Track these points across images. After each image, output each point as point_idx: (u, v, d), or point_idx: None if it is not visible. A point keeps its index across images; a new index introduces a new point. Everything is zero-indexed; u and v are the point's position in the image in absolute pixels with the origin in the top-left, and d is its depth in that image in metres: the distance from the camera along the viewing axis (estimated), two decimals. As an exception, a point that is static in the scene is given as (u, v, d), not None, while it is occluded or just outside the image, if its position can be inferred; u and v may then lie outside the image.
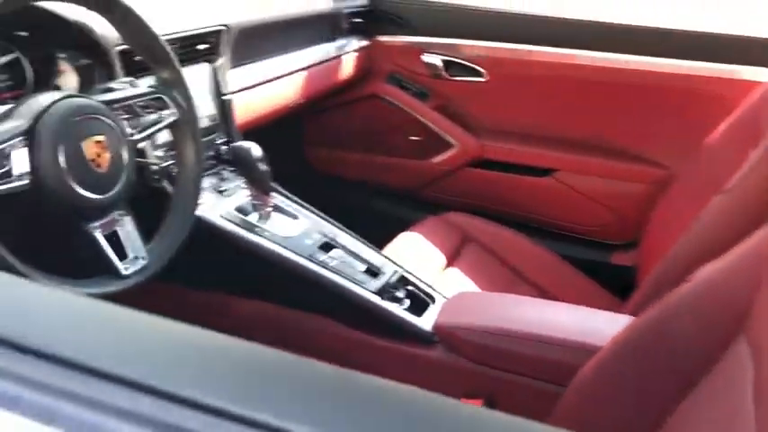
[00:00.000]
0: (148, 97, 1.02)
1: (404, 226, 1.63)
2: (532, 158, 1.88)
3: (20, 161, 0.83)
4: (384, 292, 1.24)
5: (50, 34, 1.10)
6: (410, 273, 1.32)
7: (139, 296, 1.35)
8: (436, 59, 1.91)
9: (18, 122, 0.85)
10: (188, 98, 1.06)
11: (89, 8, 0.95)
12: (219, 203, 1.29)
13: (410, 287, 1.29)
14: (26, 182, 0.83)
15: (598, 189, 1.80)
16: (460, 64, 1.89)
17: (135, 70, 1.16)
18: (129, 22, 0.97)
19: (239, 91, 1.48)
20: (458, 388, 1.15)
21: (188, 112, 1.06)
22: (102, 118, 0.92)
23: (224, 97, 1.41)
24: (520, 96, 1.86)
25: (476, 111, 1.93)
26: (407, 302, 1.25)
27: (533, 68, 1.81)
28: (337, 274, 1.23)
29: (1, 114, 0.88)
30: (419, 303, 1.26)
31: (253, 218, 1.30)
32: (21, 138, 0.83)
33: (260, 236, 1.25)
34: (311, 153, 2.14)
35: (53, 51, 1.11)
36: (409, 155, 2.01)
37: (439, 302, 1.27)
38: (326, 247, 1.30)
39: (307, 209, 1.38)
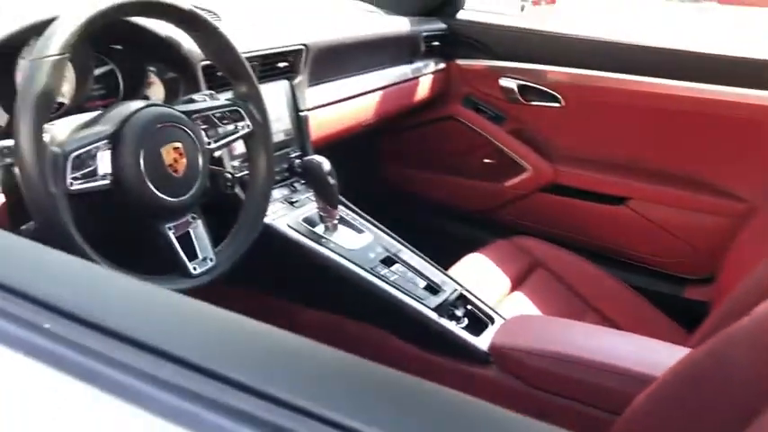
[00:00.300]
0: (226, 109, 1.08)
1: (473, 247, 1.63)
2: (606, 186, 1.85)
3: (104, 162, 0.90)
4: (442, 309, 1.25)
5: (142, 49, 1.18)
6: (470, 292, 1.32)
7: (204, 297, 1.41)
8: (513, 84, 1.91)
9: (105, 127, 0.92)
10: (263, 112, 1.12)
11: (178, 26, 1.02)
12: (289, 213, 1.34)
13: (469, 306, 1.29)
14: (108, 182, 0.90)
15: (673, 220, 1.75)
16: (537, 89, 1.89)
17: (216, 84, 1.23)
18: (213, 40, 1.04)
19: (315, 108, 1.53)
20: (511, 409, 1.14)
21: (262, 125, 1.12)
22: (182, 126, 0.98)
23: (300, 113, 1.47)
24: (596, 123, 1.83)
25: (551, 136, 1.92)
26: (465, 321, 1.26)
27: (610, 96, 1.78)
28: (397, 288, 1.26)
29: (91, 119, 0.96)
30: (478, 323, 1.27)
31: (319, 229, 1.34)
32: (106, 141, 0.90)
33: (325, 246, 1.29)
34: (386, 170, 2.18)
35: (144, 64, 1.20)
36: (482, 177, 2.02)
37: (498, 323, 1.27)
38: (388, 261, 1.32)
39: (372, 223, 1.41)
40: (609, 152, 1.84)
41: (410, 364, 1.25)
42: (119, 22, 1.01)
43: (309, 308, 1.34)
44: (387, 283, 1.26)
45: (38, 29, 0.97)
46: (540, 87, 1.88)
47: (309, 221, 1.35)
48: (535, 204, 1.96)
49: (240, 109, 1.09)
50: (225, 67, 1.08)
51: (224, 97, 1.12)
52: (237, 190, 1.18)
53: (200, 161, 1.01)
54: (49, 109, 0.83)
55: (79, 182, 0.86)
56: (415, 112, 2.00)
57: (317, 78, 1.54)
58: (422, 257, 1.37)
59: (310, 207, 1.38)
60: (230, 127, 1.09)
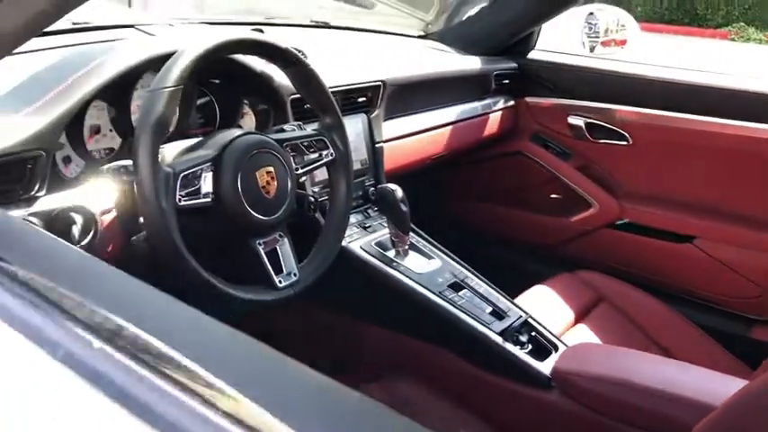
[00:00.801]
0: (312, 138, 1.18)
1: (537, 281, 1.68)
2: (673, 224, 1.86)
3: (207, 182, 1.01)
4: (507, 334, 1.30)
5: (239, 82, 1.30)
6: (534, 320, 1.37)
7: (281, 312, 1.51)
8: (581, 121, 1.96)
9: (208, 151, 1.03)
10: (345, 142, 1.22)
11: (273, 63, 1.13)
12: (362, 237, 1.43)
13: (533, 333, 1.34)
14: (210, 200, 1.01)
15: (739, 259, 1.75)
16: (605, 127, 1.93)
17: (302, 116, 1.34)
18: (303, 75, 1.15)
19: (390, 140, 1.63)
20: (571, 432, 1.19)
21: (344, 153, 1.22)
22: (274, 153, 1.09)
23: (376, 145, 1.57)
24: (663, 161, 1.86)
25: (617, 173, 1.96)
26: (529, 347, 1.31)
27: (678, 135, 1.81)
28: (464, 312, 1.32)
29: (195, 144, 1.08)
30: (541, 349, 1.31)
31: (391, 253, 1.42)
32: (209, 163, 1.01)
33: (395, 269, 1.37)
34: (451, 204, 2.25)
35: (239, 96, 1.32)
36: (548, 212, 2.07)
37: (561, 351, 1.31)
38: (456, 286, 1.39)
39: (441, 250, 1.48)
40: (675, 190, 1.86)
41: (472, 385, 1.31)
42: (222, 58, 1.13)
43: (377, 326, 1.42)
44: (454, 306, 1.33)
45: (153, 63, 1.10)
46: (608, 126, 1.92)
47: (382, 246, 1.43)
48: (600, 240, 1.99)
49: (325, 138, 1.19)
50: (313, 100, 1.19)
51: (310, 128, 1.23)
52: (318, 214, 1.27)
53: (289, 184, 1.11)
54: (164, 134, 0.95)
55: (186, 199, 0.97)
56: (482, 148, 2.07)
57: (392, 112, 1.64)
58: (488, 284, 1.43)
59: (383, 232, 1.47)
60: (315, 155, 1.19)
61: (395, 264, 1.39)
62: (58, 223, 1.00)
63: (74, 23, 1.45)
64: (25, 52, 1.19)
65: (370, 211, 1.53)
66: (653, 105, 1.86)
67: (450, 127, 1.84)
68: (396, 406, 1.13)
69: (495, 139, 2.05)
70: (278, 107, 1.33)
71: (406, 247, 1.43)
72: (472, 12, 2.13)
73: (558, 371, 1.23)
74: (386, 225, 1.50)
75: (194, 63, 0.97)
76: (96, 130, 1.12)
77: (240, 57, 1.25)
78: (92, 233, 1.03)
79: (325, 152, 1.20)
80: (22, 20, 0.73)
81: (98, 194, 1.05)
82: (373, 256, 1.40)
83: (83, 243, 1.02)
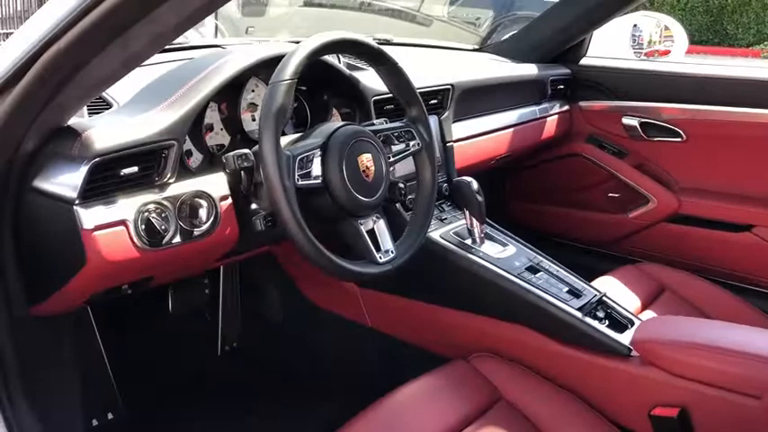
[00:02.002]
0: (401, 130, 1.30)
1: (594, 274, 1.73)
2: (730, 213, 1.93)
3: (316, 166, 1.13)
4: (585, 309, 1.38)
5: (326, 87, 1.43)
6: (610, 298, 1.45)
7: (366, 299, 1.61)
8: (635, 121, 2.05)
9: (316, 140, 1.15)
10: (429, 132, 1.33)
11: (367, 61, 1.25)
12: (440, 228, 1.54)
13: (609, 310, 1.42)
14: (319, 181, 1.13)
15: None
16: (658, 125, 2.02)
17: (383, 116, 1.46)
18: (392, 73, 1.27)
19: (459, 140, 1.74)
20: (652, 398, 1.25)
21: (429, 143, 1.33)
22: (371, 141, 1.20)
23: (447, 144, 1.68)
24: (716, 154, 1.94)
25: (673, 168, 2.03)
26: (606, 322, 1.38)
27: (728, 128, 1.89)
28: (543, 290, 1.40)
29: (301, 136, 1.20)
30: (618, 324, 1.39)
31: (468, 241, 1.52)
32: (318, 149, 1.13)
33: (475, 255, 1.47)
34: (511, 205, 2.35)
35: (327, 99, 1.45)
36: (607, 209, 2.15)
37: (637, 324, 1.38)
38: (532, 269, 1.48)
39: (513, 239, 1.57)
40: (730, 181, 1.93)
41: (555, 359, 1.39)
42: (317, 63, 1.26)
43: (457, 310, 1.50)
44: (533, 286, 1.41)
45: (259, 67, 1.24)
46: (661, 123, 2.01)
47: (459, 235, 1.53)
48: (659, 234, 2.06)
49: (412, 129, 1.31)
50: (401, 94, 1.30)
51: (397, 122, 1.34)
52: (407, 199, 1.38)
53: (384, 170, 1.22)
54: (284, 122, 1.07)
55: (301, 180, 1.09)
56: (539, 151, 2.17)
57: (460, 114, 1.76)
58: (562, 267, 1.52)
59: (459, 223, 1.57)
60: (402, 145, 1.31)
61: (474, 250, 1.48)
62: (186, 207, 1.12)
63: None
64: (148, 65, 1.35)
65: (444, 205, 1.64)
66: (703, 101, 1.94)
67: (511, 129, 1.95)
68: (484, 384, 1.23)
69: (552, 142, 2.15)
70: (362, 108, 1.46)
71: (482, 235, 1.52)
72: (523, 25, 2.25)
73: (639, 340, 1.30)
74: (460, 217, 1.60)
75: (307, 58, 1.10)
76: (210, 128, 1.25)
77: (331, 62, 1.38)
78: (213, 216, 1.15)
79: (412, 142, 1.31)
80: (149, 38, 0.86)
81: (216, 183, 1.18)
82: (453, 243, 1.50)
83: (206, 224, 1.14)
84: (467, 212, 1.52)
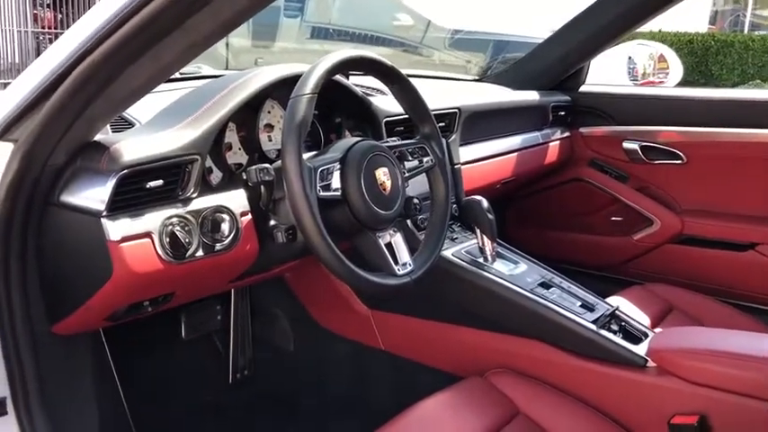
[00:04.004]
0: (415, 146, 1.33)
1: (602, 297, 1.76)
2: (733, 233, 1.96)
3: (336, 179, 1.15)
4: (599, 323, 1.39)
5: (339, 108, 1.47)
6: (622, 312, 1.46)
7: (378, 321, 1.62)
8: (635, 145, 2.10)
9: (335, 154, 1.18)
10: (442, 149, 1.36)
11: (380, 78, 1.29)
12: (452, 247, 1.56)
13: (623, 323, 1.43)
14: (338, 194, 1.15)
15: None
16: (659, 148, 2.06)
17: (395, 137, 1.50)
18: (406, 90, 1.30)
19: (466, 163, 1.77)
20: (671, 407, 1.26)
21: (442, 159, 1.36)
22: (387, 156, 1.23)
23: (455, 166, 1.71)
24: (718, 175, 1.98)
25: (675, 190, 2.07)
26: (621, 334, 1.40)
27: (729, 148, 1.94)
28: (557, 305, 1.42)
29: (320, 152, 1.23)
30: (632, 336, 1.40)
31: (480, 259, 1.54)
32: (337, 163, 1.16)
33: (487, 272, 1.49)
34: (512, 233, 2.37)
35: (340, 121, 1.48)
36: (610, 233, 2.18)
37: (651, 336, 1.40)
38: (545, 285, 1.50)
39: (523, 257, 1.59)
40: (733, 201, 1.97)
41: (571, 372, 1.39)
42: (331, 85, 1.29)
43: (469, 327, 1.51)
44: (547, 301, 1.43)
45: (283, 83, 1.27)
46: (662, 147, 2.06)
47: (471, 253, 1.55)
48: (664, 255, 2.09)
49: (425, 146, 1.34)
50: (414, 112, 1.34)
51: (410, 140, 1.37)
52: (421, 214, 1.40)
53: (400, 184, 1.25)
54: (306, 133, 1.10)
55: (322, 191, 1.11)
56: (541, 177, 2.21)
57: (466, 138, 1.79)
58: (573, 283, 1.53)
59: (469, 243, 1.59)
60: (416, 162, 1.33)
61: (486, 267, 1.50)
62: (208, 222, 1.14)
63: (182, 73, 1.66)
64: (164, 91, 1.39)
65: (454, 226, 1.66)
66: (702, 123, 1.99)
67: (515, 154, 1.99)
68: (502, 399, 1.24)
69: (554, 168, 2.19)
70: (374, 128, 1.49)
71: (494, 253, 1.54)
72: (522, 55, 2.32)
73: (655, 350, 1.31)
74: (471, 237, 1.62)
75: (327, 73, 1.13)
76: (229, 148, 1.28)
77: (345, 83, 1.42)
78: (234, 230, 1.17)
79: (425, 159, 1.34)
80: (181, 49, 0.90)
81: (236, 199, 1.20)
82: (465, 261, 1.51)
83: (228, 239, 1.16)
84: (478, 231, 1.54)
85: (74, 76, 0.92)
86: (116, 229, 1.02)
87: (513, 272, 1.52)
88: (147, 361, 1.64)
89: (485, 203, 1.53)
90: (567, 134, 2.22)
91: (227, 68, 1.92)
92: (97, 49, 0.89)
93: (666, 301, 1.76)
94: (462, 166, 1.75)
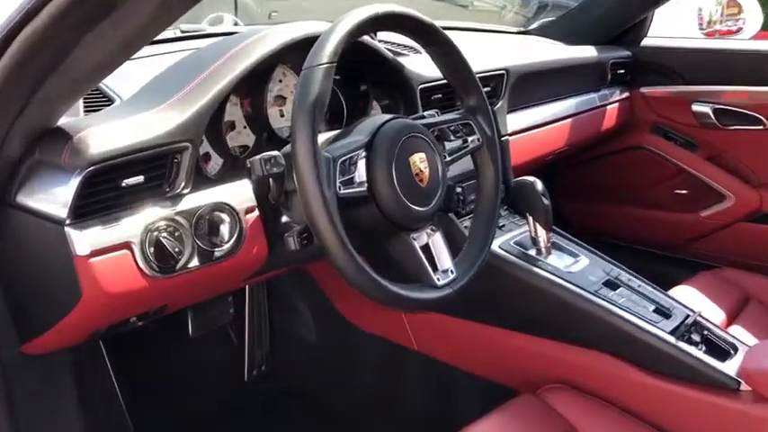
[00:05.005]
0: (458, 123, 1.08)
1: (669, 284, 1.51)
2: None
3: (361, 170, 0.92)
4: (678, 333, 1.16)
5: (366, 73, 1.22)
6: (704, 318, 1.22)
7: (412, 320, 1.40)
8: (706, 108, 1.82)
9: (359, 137, 0.94)
10: (491, 125, 1.11)
11: (417, 41, 1.04)
12: (499, 236, 1.32)
13: (706, 332, 1.19)
14: (364, 189, 0.92)
15: None
16: (736, 112, 1.78)
17: (431, 108, 1.25)
18: (448, 54, 1.05)
19: (514, 134, 1.52)
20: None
21: (491, 138, 1.11)
22: (425, 138, 0.99)
23: (502, 138, 1.46)
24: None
25: (754, 161, 1.80)
26: (704, 347, 1.16)
27: None
28: (626, 311, 1.19)
29: (340, 133, 0.99)
30: (717, 349, 1.16)
31: (532, 252, 1.30)
32: (362, 150, 0.92)
33: (541, 269, 1.25)
34: (563, 207, 2.11)
35: (366, 89, 1.24)
36: (674, 208, 1.91)
37: (742, 351, 1.16)
38: (611, 285, 1.26)
39: (584, 247, 1.35)
40: None
41: (642, 392, 1.17)
42: (355, 46, 1.05)
43: (521, 333, 1.29)
44: (614, 305, 1.19)
45: (295, 46, 1.03)
46: (739, 110, 1.77)
47: (521, 245, 1.32)
48: (737, 235, 1.83)
49: (471, 122, 1.09)
50: (457, 80, 1.09)
51: (451, 113, 1.13)
52: (464, 205, 1.17)
53: (440, 172, 1.01)
54: (323, 114, 0.86)
55: (344, 188, 0.88)
56: (596, 144, 1.94)
57: (514, 104, 1.54)
58: (644, 281, 1.30)
59: (520, 231, 1.36)
60: (459, 142, 1.09)
61: (540, 263, 1.27)
62: (204, 223, 0.92)
63: (183, 32, 1.42)
64: (157, 54, 1.15)
65: (501, 210, 1.42)
66: None
67: (569, 120, 1.73)
68: (559, 421, 1.00)
69: (611, 134, 1.92)
70: (407, 98, 1.25)
71: (549, 245, 1.31)
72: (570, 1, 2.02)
73: (750, 371, 1.07)
74: (521, 224, 1.39)
75: (348, 36, 0.89)
76: (231, 127, 1.05)
77: (372, 44, 1.17)
78: (236, 233, 0.95)
79: (471, 138, 1.09)
80: (150, 12, 0.66)
81: (240, 193, 0.98)
82: (515, 255, 1.28)
83: (229, 243, 0.94)
84: (530, 218, 1.30)
85: (16, 47, 0.70)
86: (83, 240, 0.81)
87: (573, 268, 1.28)
88: (151, 364, 1.46)
89: (539, 186, 1.28)
90: (626, 95, 1.94)
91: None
92: (42, 10, 0.67)
93: (742, 288, 1.52)
94: (509, 138, 1.50)
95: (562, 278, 1.24)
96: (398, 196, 0.93)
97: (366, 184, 0.92)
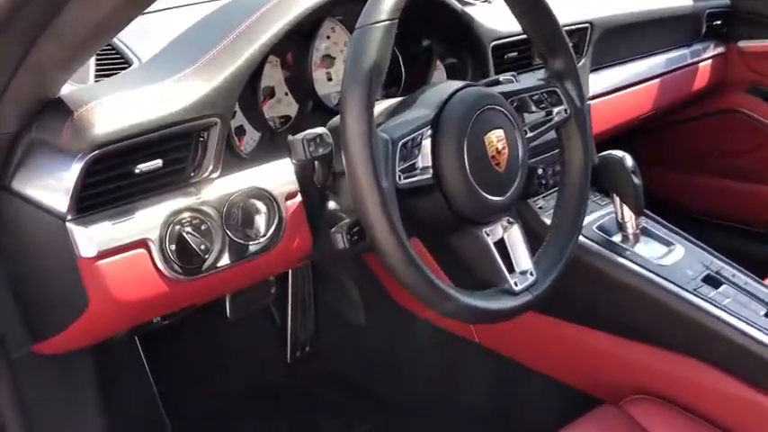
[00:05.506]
0: (543, 90, 0.89)
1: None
2: None
3: (425, 153, 0.75)
4: (795, 343, 0.97)
5: (429, 28, 1.04)
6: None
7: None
8: (816, 66, 1.57)
9: (422, 111, 0.77)
10: (581, 93, 0.92)
11: None
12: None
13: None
14: (428, 176, 0.75)
15: None
16: None
17: (504, 69, 1.06)
18: (533, 7, 0.86)
19: (595, 97, 1.32)
20: None
21: (580, 108, 0.92)
22: (504, 110, 0.81)
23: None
24: None
25: None
26: (826, 362, 0.97)
27: None
28: (730, 313, 1.00)
29: (398, 105, 0.82)
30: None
31: (617, 238, 1.12)
32: (427, 127, 0.75)
33: (628, 259, 1.07)
34: (644, 176, 1.90)
35: (428, 47, 1.05)
36: (771, 180, 1.69)
37: None
38: (712, 281, 1.06)
39: (680, 235, 1.16)
40: None
41: (747, 411, 0.99)
42: None
43: (608, 334, 1.12)
44: (716, 306, 1.01)
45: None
46: None
47: (604, 230, 1.13)
48: None
49: (557, 89, 0.90)
50: (542, 37, 0.89)
51: (532, 78, 0.94)
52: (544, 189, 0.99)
53: (521, 152, 0.83)
54: (380, 84, 0.69)
55: (404, 176, 0.72)
56: (684, 107, 1.71)
57: (596, 63, 1.33)
58: (750, 276, 1.10)
59: (603, 213, 1.17)
60: (542, 114, 0.90)
61: (627, 252, 1.08)
62: (237, 212, 0.77)
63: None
64: (183, 5, 0.99)
65: None
66: None
67: (657, 80, 1.51)
68: None
69: (702, 95, 1.69)
70: (477, 58, 1.06)
71: (638, 231, 1.12)
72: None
73: None
74: (603, 204, 1.20)
75: None
76: (270, 94, 0.89)
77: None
78: (275, 223, 0.80)
79: (556, 109, 0.90)
80: None
81: (279, 176, 0.82)
82: (597, 242, 1.10)
83: (267, 236, 0.79)
84: (617, 199, 1.11)
85: None
86: (89, 239, 0.67)
87: (665, 260, 1.09)
88: (186, 348, 1.34)
89: (629, 162, 1.09)
90: (720, 50, 1.70)
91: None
92: None
93: None
94: (592, 102, 1.30)
95: (653, 272, 1.05)
96: (470, 184, 0.76)
97: (431, 170, 0.75)
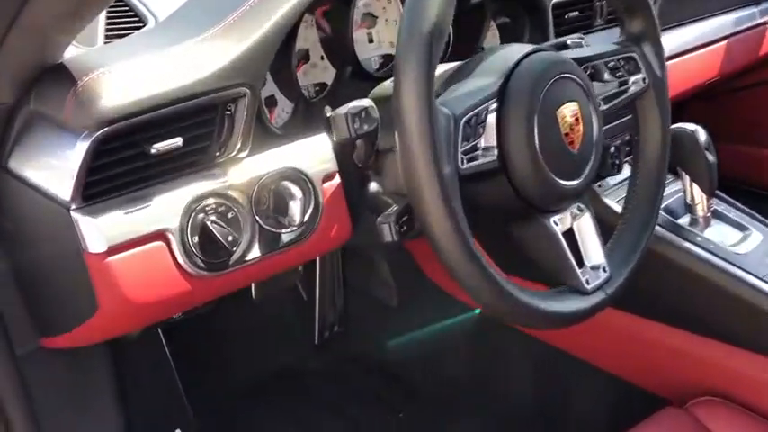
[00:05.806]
0: (619, 57, 0.77)
1: None
2: None
3: (489, 131, 0.63)
4: None
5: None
6: None
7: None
8: None
9: (486, 79, 0.65)
10: (662, 60, 0.80)
11: None
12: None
13: None
14: (493, 158, 0.64)
15: None
16: None
17: (563, 32, 0.94)
18: None
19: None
20: None
21: (660, 78, 0.80)
22: (578, 80, 0.69)
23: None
24: None
25: None
26: None
27: None
28: (819, 310, 0.89)
29: (455, 72, 0.70)
30: None
31: (684, 221, 1.01)
32: (493, 100, 0.63)
33: (697, 245, 0.96)
34: None
35: (478, 2, 0.93)
36: None
37: None
38: (793, 272, 0.95)
39: (757, 219, 1.04)
40: None
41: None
42: None
43: (673, 327, 1.01)
44: (802, 301, 0.90)
45: None
46: None
47: (671, 211, 1.02)
48: None
49: (635, 55, 0.78)
50: None
51: (605, 42, 0.81)
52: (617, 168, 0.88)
53: (595, 128, 0.71)
54: (441, 48, 0.57)
55: (467, 161, 0.61)
56: (747, 72, 1.57)
57: (661, 24, 1.19)
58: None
59: (668, 192, 1.05)
60: (615, 83, 0.78)
61: (697, 238, 0.97)
62: (269, 196, 0.67)
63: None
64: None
65: None
66: None
67: (725, 42, 1.37)
68: None
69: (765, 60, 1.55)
70: (535, 17, 0.94)
71: (709, 214, 1.00)
72: None
73: None
74: (667, 182, 1.08)
75: None
76: (305, 58, 0.78)
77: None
78: (311, 209, 0.70)
79: (633, 78, 0.78)
80: None
81: (315, 154, 0.71)
82: (661, 225, 0.98)
83: (302, 223, 0.69)
84: (686, 178, 1.00)
85: None
86: (98, 231, 0.57)
87: (740, 247, 0.98)
88: (206, 330, 1.25)
89: (702, 136, 0.97)
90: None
91: None
92: None
93: None
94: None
95: (728, 260, 0.94)
96: (541, 167, 0.65)
97: (495, 151, 0.64)
